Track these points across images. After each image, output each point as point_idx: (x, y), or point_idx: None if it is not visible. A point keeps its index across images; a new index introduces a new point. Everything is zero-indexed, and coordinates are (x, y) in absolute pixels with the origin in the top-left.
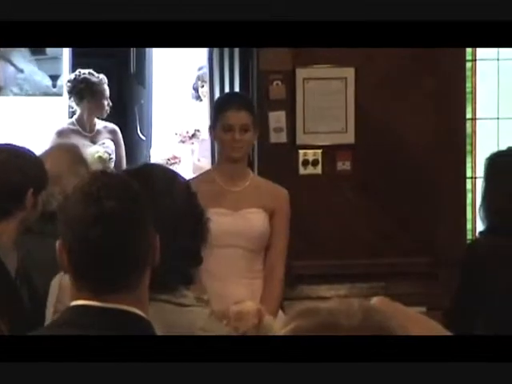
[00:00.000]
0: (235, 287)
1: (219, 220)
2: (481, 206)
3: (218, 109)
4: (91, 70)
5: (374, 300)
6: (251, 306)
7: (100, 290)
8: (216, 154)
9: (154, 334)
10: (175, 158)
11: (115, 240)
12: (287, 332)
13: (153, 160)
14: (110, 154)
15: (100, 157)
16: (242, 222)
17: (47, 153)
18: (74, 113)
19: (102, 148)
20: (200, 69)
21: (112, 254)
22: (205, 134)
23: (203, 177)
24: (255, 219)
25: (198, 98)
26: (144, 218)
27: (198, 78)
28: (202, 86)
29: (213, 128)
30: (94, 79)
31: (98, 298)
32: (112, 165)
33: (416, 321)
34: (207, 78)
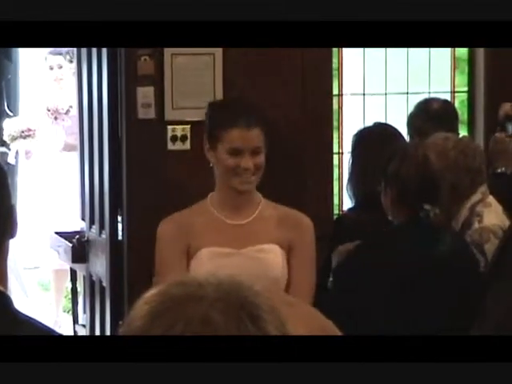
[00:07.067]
0: None
1: (222, 262)
2: (348, 181)
3: (220, 123)
4: None
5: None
6: None
7: None
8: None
9: (14, 309)
10: (29, 130)
11: None
12: (152, 294)
13: (5, 133)
14: None
15: None
16: (250, 264)
17: None
18: None
19: None
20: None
21: None
22: (74, 111)
23: (197, 208)
24: (269, 259)
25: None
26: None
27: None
28: (71, 62)
29: (211, 148)
30: None
31: None
32: None
33: (291, 304)
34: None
